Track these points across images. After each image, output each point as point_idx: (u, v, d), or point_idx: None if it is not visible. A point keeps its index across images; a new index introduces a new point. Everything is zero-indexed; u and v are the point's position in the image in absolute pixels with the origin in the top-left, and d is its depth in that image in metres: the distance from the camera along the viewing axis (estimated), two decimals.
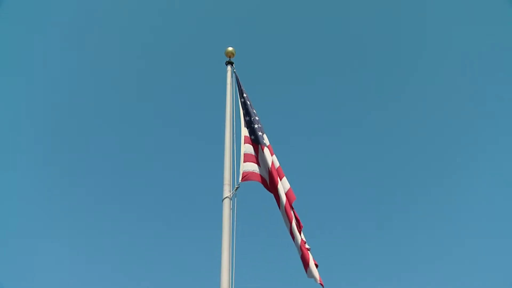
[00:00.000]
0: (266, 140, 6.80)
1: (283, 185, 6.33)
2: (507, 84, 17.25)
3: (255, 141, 6.78)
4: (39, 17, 17.60)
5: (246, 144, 6.70)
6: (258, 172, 6.50)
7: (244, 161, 6.47)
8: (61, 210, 16.46)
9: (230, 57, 7.88)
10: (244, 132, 6.86)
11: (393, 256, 16.40)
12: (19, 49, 17.32)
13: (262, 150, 6.65)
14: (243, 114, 7.14)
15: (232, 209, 5.93)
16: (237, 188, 6.14)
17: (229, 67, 7.79)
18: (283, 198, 6.18)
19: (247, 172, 6.36)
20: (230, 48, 7.90)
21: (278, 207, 6.30)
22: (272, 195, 6.41)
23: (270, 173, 6.41)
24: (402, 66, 20.22)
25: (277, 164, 6.56)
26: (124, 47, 19.87)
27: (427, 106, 19.37)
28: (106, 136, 19.02)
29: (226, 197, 6.01)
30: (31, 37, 17.63)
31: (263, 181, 6.48)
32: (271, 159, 6.52)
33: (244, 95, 7.33)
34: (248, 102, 7.23)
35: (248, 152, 6.62)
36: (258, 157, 6.68)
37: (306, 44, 21.09)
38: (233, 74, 7.62)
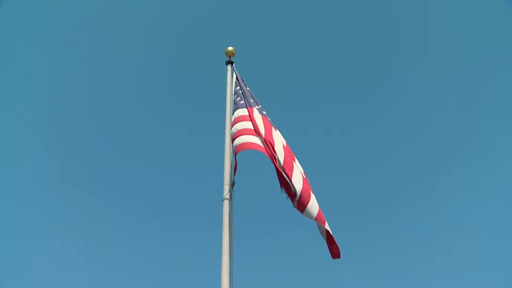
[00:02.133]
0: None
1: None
2: (507, 84, 17.27)
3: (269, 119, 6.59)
4: (39, 17, 17.62)
5: (243, 122, 6.38)
6: (254, 141, 6.03)
7: (236, 137, 6.14)
8: (60, 210, 16.46)
9: (230, 57, 7.89)
10: (243, 112, 6.60)
11: (392, 255, 16.40)
12: (19, 49, 17.34)
13: (275, 129, 6.48)
14: (243, 96, 6.95)
15: (231, 208, 5.92)
16: (233, 184, 6.12)
17: (229, 67, 7.79)
18: (302, 174, 5.92)
19: (239, 145, 5.99)
20: (230, 48, 7.90)
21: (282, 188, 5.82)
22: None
23: (285, 149, 6.11)
24: (402, 66, 20.21)
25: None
26: (124, 46, 19.87)
27: (427, 106, 19.37)
28: (106, 136, 19.01)
29: (226, 197, 6.00)
30: (31, 37, 17.65)
31: (262, 149, 5.98)
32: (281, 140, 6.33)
33: (247, 88, 7.30)
34: (251, 94, 7.19)
35: (244, 128, 6.26)
36: (264, 130, 6.29)
37: (307, 44, 21.09)
38: (233, 73, 7.63)
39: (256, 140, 6.06)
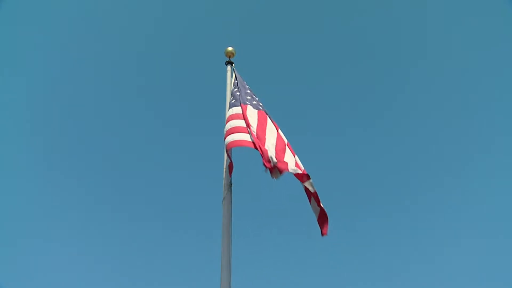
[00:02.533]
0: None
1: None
2: (508, 84, 17.27)
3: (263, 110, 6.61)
4: (39, 17, 17.62)
5: (234, 120, 6.31)
6: (243, 139, 5.96)
7: (227, 135, 6.10)
8: (60, 210, 16.46)
9: (230, 57, 7.87)
10: (233, 111, 6.56)
11: (392, 256, 16.40)
12: (19, 49, 17.35)
13: (271, 120, 6.47)
14: (238, 95, 6.90)
15: (230, 208, 5.93)
16: (231, 185, 6.12)
17: (229, 67, 7.78)
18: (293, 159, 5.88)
19: (228, 143, 5.96)
20: (230, 48, 7.88)
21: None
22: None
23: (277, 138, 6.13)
24: (401, 67, 20.21)
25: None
26: (124, 46, 19.87)
27: (427, 106, 19.37)
28: (105, 136, 19.00)
29: (226, 197, 6.01)
30: (32, 37, 17.65)
31: (249, 143, 5.88)
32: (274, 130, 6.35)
33: (247, 86, 7.29)
34: (248, 91, 7.17)
35: (234, 126, 6.21)
36: (257, 124, 6.26)
37: (307, 44, 21.09)
38: (233, 74, 7.62)
39: (245, 136, 5.99)
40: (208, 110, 18.78)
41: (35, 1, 17.50)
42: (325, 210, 5.71)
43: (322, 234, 5.70)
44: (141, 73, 19.90)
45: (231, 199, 6.02)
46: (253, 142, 5.84)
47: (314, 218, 5.89)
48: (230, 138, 5.98)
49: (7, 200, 15.25)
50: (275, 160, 5.44)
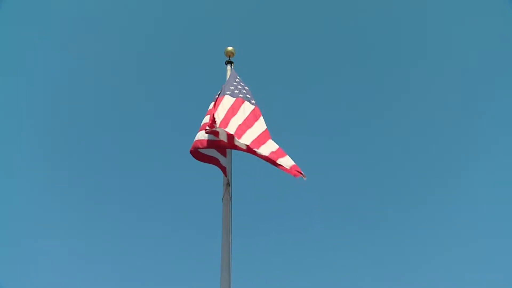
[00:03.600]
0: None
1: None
2: (508, 84, 17.26)
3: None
4: (39, 17, 17.62)
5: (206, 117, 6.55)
6: (201, 138, 6.27)
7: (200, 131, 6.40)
8: (60, 210, 16.47)
9: (230, 57, 7.88)
10: (211, 106, 6.70)
11: (393, 256, 16.40)
12: (19, 49, 17.35)
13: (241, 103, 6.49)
14: (220, 91, 6.92)
15: (230, 207, 5.92)
16: (228, 184, 6.11)
17: (228, 67, 7.79)
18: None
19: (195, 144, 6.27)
20: (229, 48, 7.89)
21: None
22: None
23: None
24: (402, 67, 20.19)
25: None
26: (124, 46, 19.86)
27: (428, 107, 19.36)
28: (105, 136, 19.00)
29: (226, 197, 6.00)
30: (32, 37, 17.65)
31: (204, 142, 6.17)
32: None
33: (237, 79, 7.22)
34: (236, 83, 7.09)
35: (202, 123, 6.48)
36: (226, 112, 6.20)
37: (307, 44, 21.08)
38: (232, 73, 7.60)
39: (201, 135, 6.28)
40: (208, 109, 18.75)
41: (35, 1, 17.53)
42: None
43: (304, 177, 5.07)
44: (141, 73, 19.92)
45: (230, 198, 6.01)
46: (208, 140, 6.15)
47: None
48: (196, 137, 6.30)
49: (7, 200, 15.28)
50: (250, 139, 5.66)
